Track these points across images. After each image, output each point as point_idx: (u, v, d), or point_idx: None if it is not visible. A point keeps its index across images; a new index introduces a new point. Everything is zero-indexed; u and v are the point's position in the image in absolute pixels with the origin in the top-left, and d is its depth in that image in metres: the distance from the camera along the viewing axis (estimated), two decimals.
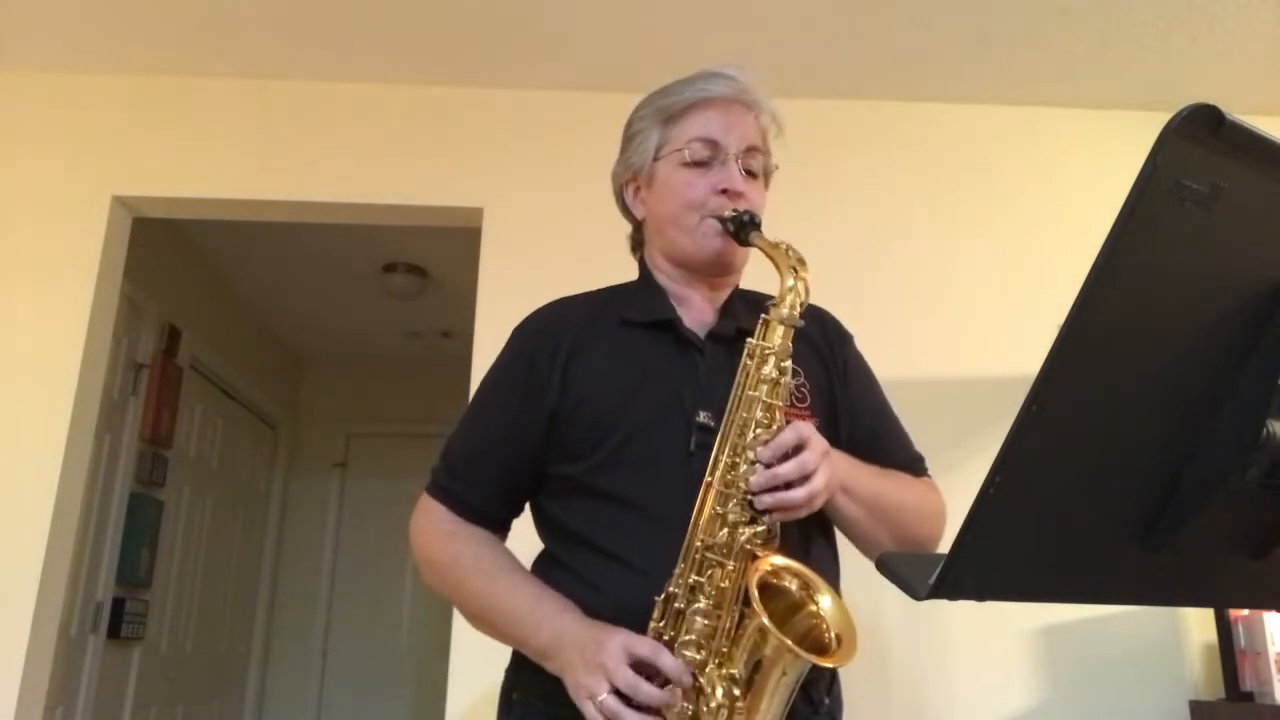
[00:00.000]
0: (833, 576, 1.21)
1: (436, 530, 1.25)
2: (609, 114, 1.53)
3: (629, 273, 1.40)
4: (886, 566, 0.75)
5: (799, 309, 1.13)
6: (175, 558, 3.68)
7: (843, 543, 1.26)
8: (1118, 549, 0.69)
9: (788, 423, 1.10)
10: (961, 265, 2.59)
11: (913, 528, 1.25)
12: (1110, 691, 2.29)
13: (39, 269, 2.51)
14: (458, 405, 2.47)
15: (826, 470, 1.07)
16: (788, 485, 1.05)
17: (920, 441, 2.69)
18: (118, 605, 3.20)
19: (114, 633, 3.18)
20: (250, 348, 4.44)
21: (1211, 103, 0.56)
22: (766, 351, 1.11)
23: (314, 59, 2.61)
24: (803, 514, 1.08)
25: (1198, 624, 2.35)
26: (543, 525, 1.27)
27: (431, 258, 3.80)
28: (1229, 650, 2.19)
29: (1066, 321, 0.60)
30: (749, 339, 1.13)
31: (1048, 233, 2.59)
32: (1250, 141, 0.59)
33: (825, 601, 1.06)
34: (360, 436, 5.02)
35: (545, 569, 1.22)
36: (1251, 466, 0.67)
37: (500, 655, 1.26)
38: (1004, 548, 0.66)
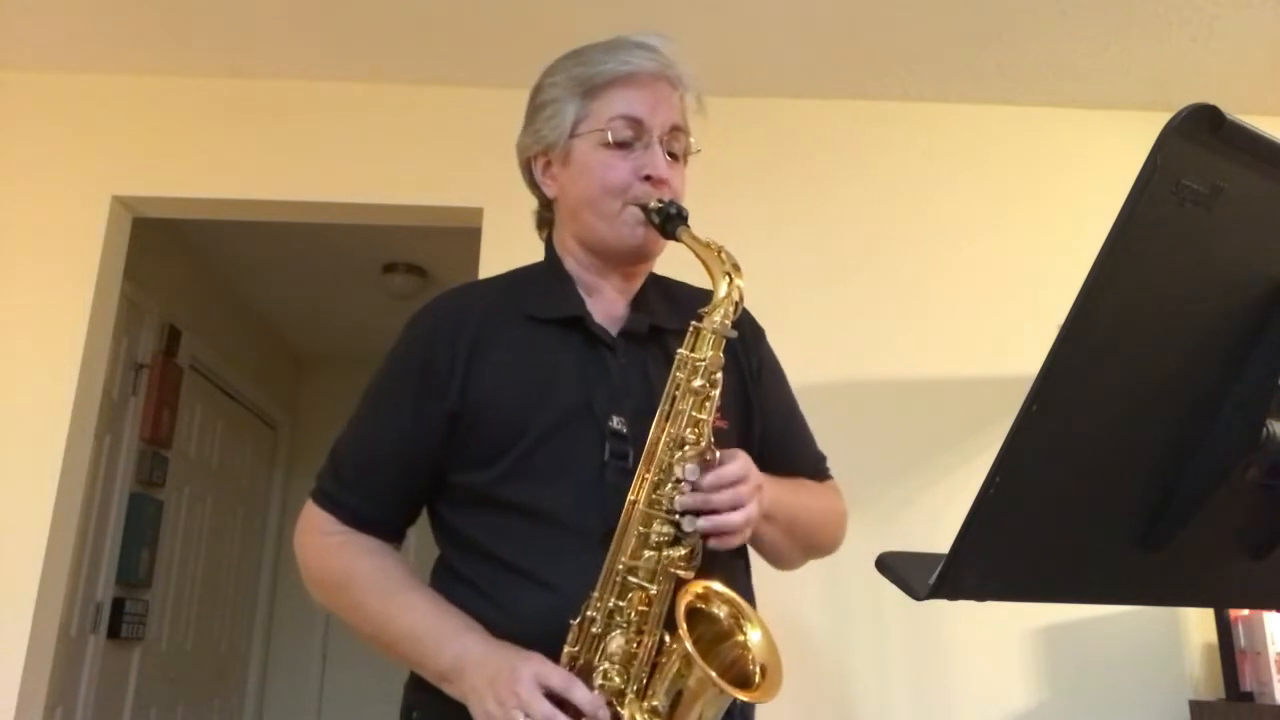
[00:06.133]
0: (746, 590, 1.17)
1: (325, 543, 1.14)
2: None
3: None
4: (886, 567, 0.75)
5: (732, 319, 1.07)
6: (175, 558, 3.68)
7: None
8: (1118, 549, 0.69)
9: (715, 441, 1.05)
10: (961, 265, 2.58)
11: (819, 539, 1.25)
12: (1110, 691, 2.29)
13: (39, 269, 2.50)
14: None
15: (757, 503, 1.03)
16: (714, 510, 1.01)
17: (921, 441, 2.69)
18: (118, 605, 3.20)
19: (114, 633, 3.18)
20: (250, 348, 4.43)
21: (1211, 103, 0.56)
22: (697, 364, 1.04)
23: (314, 59, 2.61)
24: (735, 542, 1.03)
25: (1198, 624, 2.35)
26: (442, 534, 1.17)
27: (431, 258, 3.80)
28: (1229, 650, 2.19)
29: (1066, 321, 0.60)
30: (679, 350, 1.06)
31: (1048, 232, 2.59)
32: (1250, 141, 0.59)
33: (755, 635, 1.02)
34: None
35: (447, 583, 1.13)
36: (1251, 466, 0.67)
37: None
38: (1004, 548, 0.66)
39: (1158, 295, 0.62)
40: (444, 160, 2.64)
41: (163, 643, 3.60)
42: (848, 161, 2.67)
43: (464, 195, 2.61)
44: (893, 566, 0.74)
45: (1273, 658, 2.11)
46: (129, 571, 3.25)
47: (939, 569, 0.64)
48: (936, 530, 2.15)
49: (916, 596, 0.67)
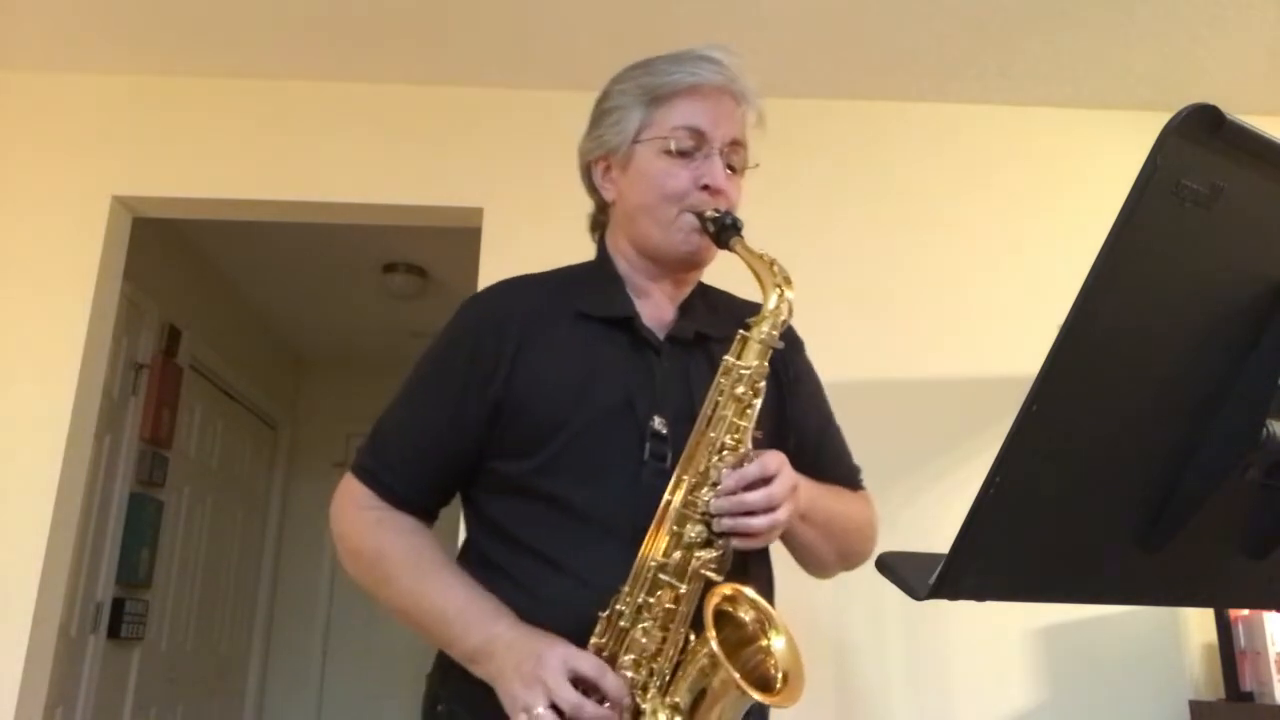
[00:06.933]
0: (769, 594, 1.18)
1: (363, 517, 1.17)
2: None
3: None
4: (886, 566, 0.75)
5: (779, 330, 1.09)
6: (175, 558, 3.68)
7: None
8: (1118, 549, 0.69)
9: (754, 446, 1.06)
10: (961, 265, 2.58)
11: (854, 545, 1.26)
12: (1110, 691, 2.29)
13: (39, 269, 2.51)
14: None
15: (792, 503, 1.04)
16: (749, 512, 1.02)
17: (920, 441, 2.69)
18: (118, 605, 3.20)
19: (114, 633, 3.18)
20: (250, 348, 4.43)
21: (1211, 103, 0.56)
22: (742, 371, 1.07)
23: (314, 59, 2.61)
24: (760, 543, 1.05)
25: (1198, 624, 2.35)
26: (475, 519, 1.20)
27: (431, 258, 3.80)
28: (1229, 650, 2.19)
29: (1066, 322, 0.60)
30: (726, 357, 1.08)
31: (1047, 232, 2.59)
32: (1250, 141, 0.59)
33: (779, 642, 1.03)
34: (360, 436, 4.90)
35: (478, 568, 1.14)
36: (1251, 466, 0.67)
37: None
38: (1004, 548, 0.66)
39: (1157, 295, 0.62)
40: (444, 160, 2.64)
41: (163, 643, 3.59)
42: (847, 162, 2.67)
43: (464, 195, 2.61)
44: (893, 566, 0.74)
45: (1273, 658, 2.11)
46: (129, 571, 3.25)
47: (939, 569, 0.64)
48: (936, 530, 2.15)
49: (916, 596, 0.67)
